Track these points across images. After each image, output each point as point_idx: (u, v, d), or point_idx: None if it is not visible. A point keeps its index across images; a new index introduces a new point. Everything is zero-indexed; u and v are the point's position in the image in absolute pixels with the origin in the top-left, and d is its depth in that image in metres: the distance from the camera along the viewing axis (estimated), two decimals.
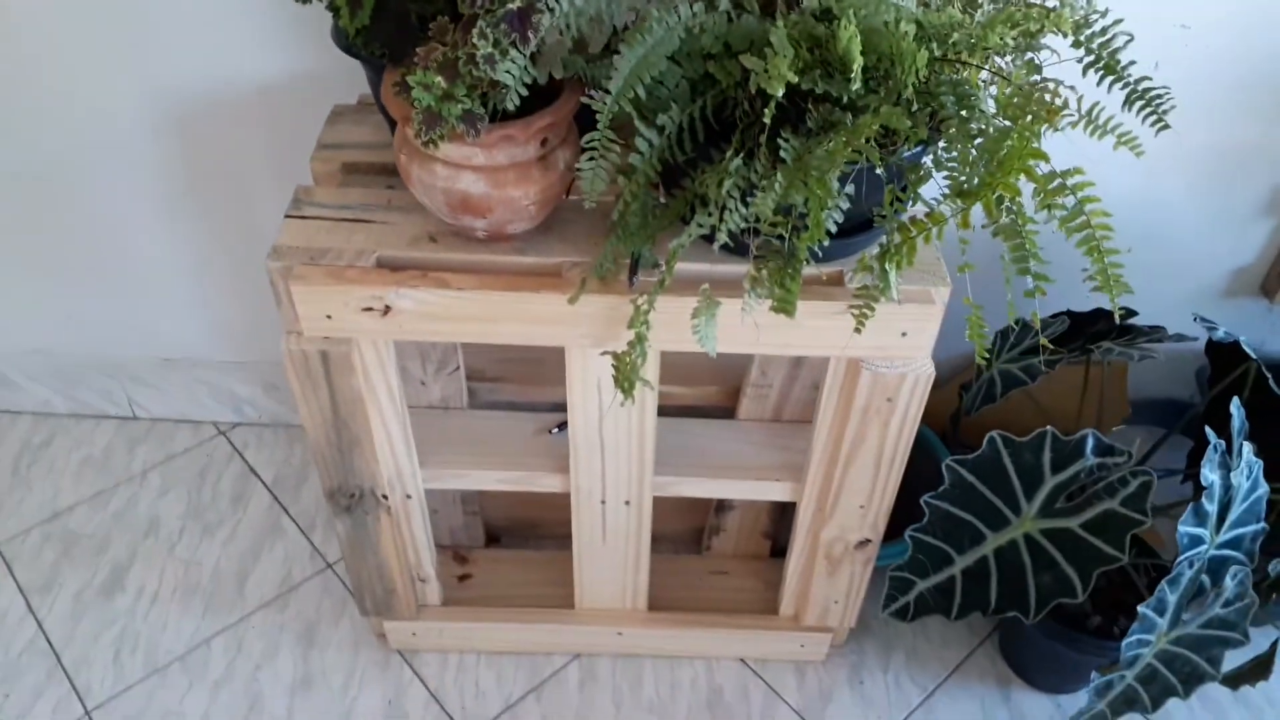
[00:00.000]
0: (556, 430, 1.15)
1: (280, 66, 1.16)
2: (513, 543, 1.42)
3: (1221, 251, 1.33)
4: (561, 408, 1.20)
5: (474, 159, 0.81)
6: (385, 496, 1.08)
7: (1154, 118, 0.81)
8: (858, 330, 0.83)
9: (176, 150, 1.26)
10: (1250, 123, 1.19)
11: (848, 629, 1.28)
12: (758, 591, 1.33)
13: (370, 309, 0.89)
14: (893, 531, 1.10)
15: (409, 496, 1.11)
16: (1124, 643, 0.92)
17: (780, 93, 0.70)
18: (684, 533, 1.42)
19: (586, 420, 1.02)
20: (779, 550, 1.35)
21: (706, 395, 1.22)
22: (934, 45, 0.72)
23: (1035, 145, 0.68)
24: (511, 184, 0.83)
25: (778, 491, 1.12)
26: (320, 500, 1.48)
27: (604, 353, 0.90)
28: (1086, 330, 1.19)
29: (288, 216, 0.94)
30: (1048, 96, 0.72)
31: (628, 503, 1.12)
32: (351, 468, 1.05)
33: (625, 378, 0.85)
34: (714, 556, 1.38)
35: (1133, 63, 0.81)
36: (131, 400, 1.56)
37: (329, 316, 0.89)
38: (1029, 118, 0.69)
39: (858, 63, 0.69)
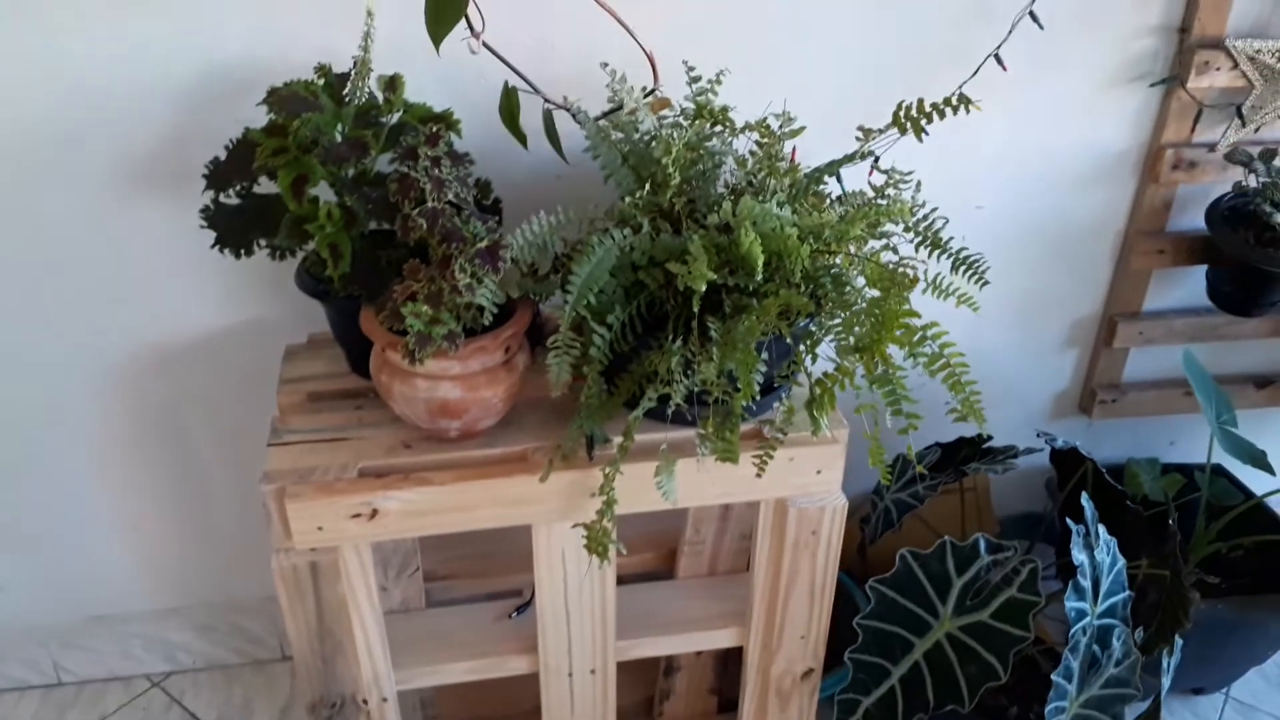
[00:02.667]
0: (516, 614, 1.24)
1: (225, 316, 1.28)
2: None
3: (1043, 379, 1.60)
4: (514, 594, 1.30)
5: (451, 370, 0.95)
6: (365, 701, 1.13)
7: (975, 277, 1.05)
8: (759, 474, 0.99)
9: (113, 401, 1.33)
10: (1041, 274, 1.48)
11: None
12: None
13: (358, 515, 0.99)
14: (824, 666, 1.23)
15: (385, 700, 1.16)
16: (1046, 710, 1.07)
17: (704, 288, 0.89)
18: (636, 704, 1.50)
19: (553, 593, 1.12)
20: (727, 704, 1.45)
21: (645, 562, 1.34)
22: (812, 240, 0.94)
23: (908, 307, 0.89)
24: (483, 386, 0.97)
25: (727, 638, 1.24)
26: None
27: (575, 525, 1.03)
28: (955, 457, 1.40)
29: (270, 445, 1.04)
30: (903, 270, 0.94)
31: (593, 671, 1.21)
32: (334, 675, 1.10)
33: (598, 543, 0.98)
34: None
35: (951, 238, 1.05)
36: (58, 665, 1.53)
37: (320, 528, 0.99)
38: (896, 288, 0.90)
39: (760, 261, 0.89)
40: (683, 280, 0.90)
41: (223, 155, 1.04)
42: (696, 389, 0.92)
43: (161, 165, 1.16)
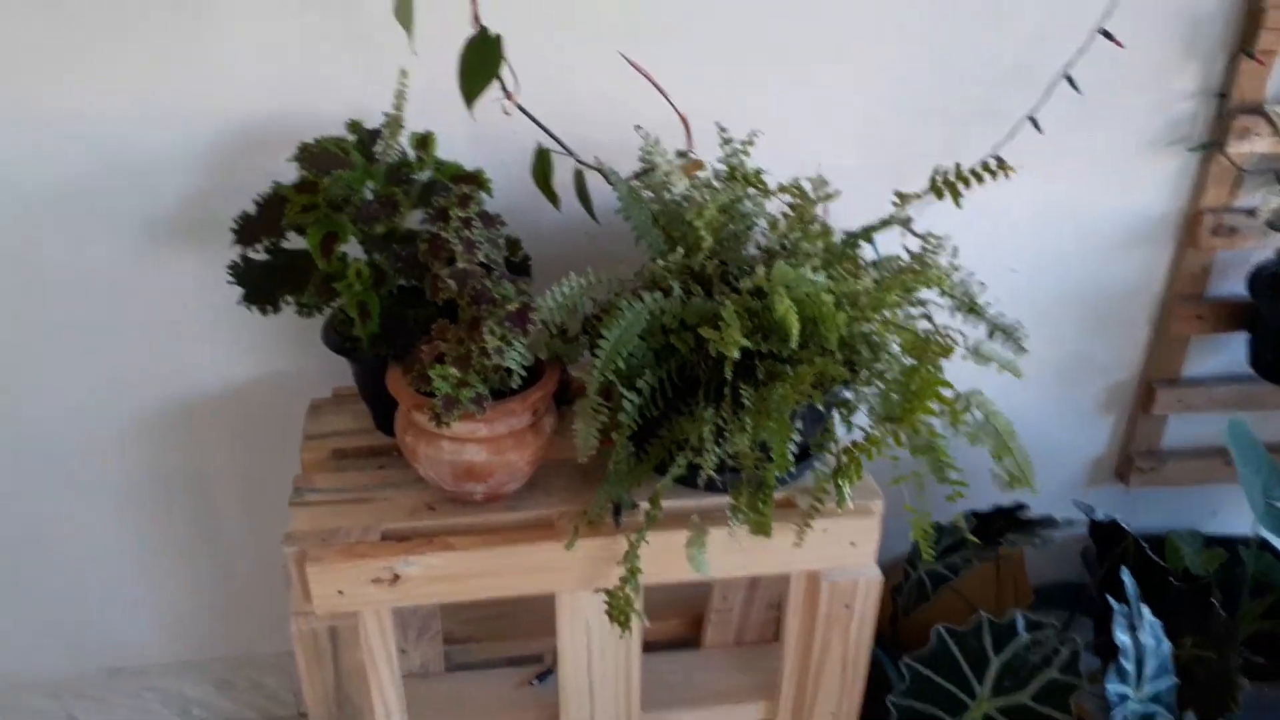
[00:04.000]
0: (537, 681, 1.21)
1: (251, 369, 1.27)
2: None
3: (1079, 445, 1.56)
4: (536, 659, 1.26)
5: (478, 432, 0.93)
6: None
7: (1012, 344, 1.03)
8: (796, 545, 0.96)
9: (137, 451, 1.32)
10: (1076, 338, 1.45)
11: None
12: None
13: (379, 579, 0.96)
14: None
15: None
16: None
17: (737, 355, 0.86)
18: None
19: (576, 662, 1.09)
20: None
21: (670, 629, 1.30)
22: (848, 307, 0.92)
23: (941, 377, 0.87)
24: (510, 449, 0.95)
25: (755, 712, 1.20)
26: None
27: (598, 590, 1.00)
28: (990, 527, 1.36)
29: (292, 504, 1.02)
30: (939, 338, 0.91)
31: None
32: None
33: (620, 612, 0.95)
34: None
35: (989, 303, 1.03)
36: (71, 718, 1.50)
37: (340, 592, 0.96)
38: (930, 356, 0.87)
39: (795, 328, 0.87)
40: (714, 346, 0.88)
41: (252, 210, 1.04)
42: (728, 458, 0.89)
43: (190, 220, 1.16)
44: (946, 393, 0.88)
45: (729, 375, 0.88)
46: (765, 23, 1.15)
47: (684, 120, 1.06)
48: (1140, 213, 1.35)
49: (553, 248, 1.17)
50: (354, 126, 1.07)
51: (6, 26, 1.04)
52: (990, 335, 1.03)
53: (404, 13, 0.90)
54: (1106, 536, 1.36)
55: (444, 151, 1.07)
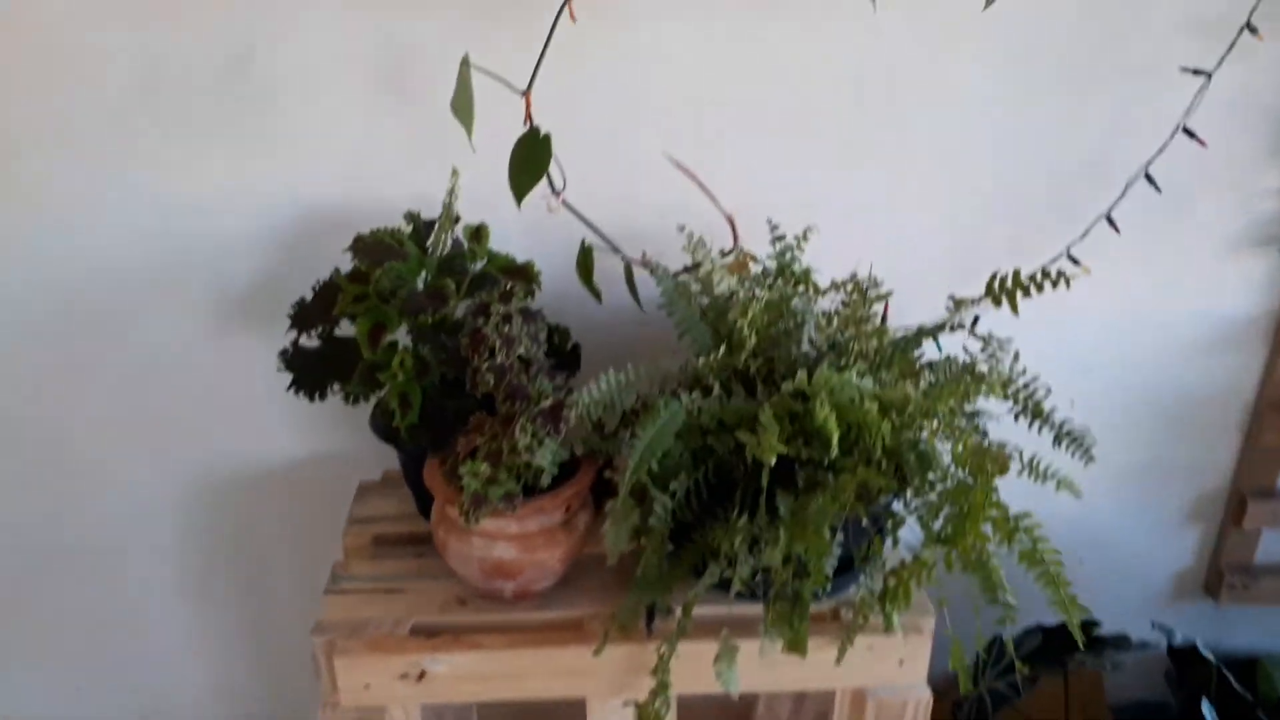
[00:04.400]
0: None
1: (306, 448, 1.29)
2: None
3: (1163, 556, 1.46)
4: None
5: (508, 529, 0.92)
6: None
7: (1081, 453, 0.97)
8: (837, 662, 0.91)
9: (192, 520, 1.34)
10: (1159, 444, 1.36)
11: None
12: None
13: (406, 675, 0.95)
14: None
15: None
16: None
17: (773, 461, 0.83)
18: None
19: None
20: None
21: None
22: (894, 416, 0.88)
23: (995, 499, 0.82)
24: (540, 548, 0.93)
25: None
26: None
27: (626, 703, 0.96)
28: (1059, 643, 1.27)
29: (327, 592, 1.02)
30: (996, 452, 0.87)
31: None
32: None
33: None
34: None
35: (1055, 408, 0.97)
36: None
37: (367, 686, 0.95)
38: (985, 474, 0.83)
39: (835, 435, 0.83)
40: (751, 451, 0.85)
41: (309, 296, 1.06)
42: (762, 571, 0.86)
43: (255, 302, 1.19)
44: (1001, 515, 0.83)
45: (764, 483, 0.85)
46: (831, 115, 1.13)
47: (730, 221, 1.05)
48: (1227, 316, 1.28)
49: (604, 335, 1.16)
50: (411, 217, 1.09)
51: (116, 121, 1.09)
52: (1056, 442, 0.97)
53: (464, 111, 0.91)
54: (1186, 662, 1.26)
55: (499, 241, 1.08)
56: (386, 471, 1.23)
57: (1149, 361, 1.31)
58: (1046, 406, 0.98)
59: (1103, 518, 1.41)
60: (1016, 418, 0.99)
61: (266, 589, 1.40)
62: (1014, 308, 0.92)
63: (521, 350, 0.92)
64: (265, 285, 1.19)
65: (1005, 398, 0.98)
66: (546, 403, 0.87)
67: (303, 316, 1.06)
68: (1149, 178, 1.14)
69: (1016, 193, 1.19)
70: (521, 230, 1.12)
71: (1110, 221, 1.17)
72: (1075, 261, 1.16)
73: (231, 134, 1.10)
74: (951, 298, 0.97)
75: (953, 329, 0.98)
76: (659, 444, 0.88)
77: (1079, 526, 1.40)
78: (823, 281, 1.04)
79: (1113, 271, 1.22)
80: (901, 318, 1.03)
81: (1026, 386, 0.98)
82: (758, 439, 0.85)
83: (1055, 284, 0.91)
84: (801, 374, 0.87)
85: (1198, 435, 1.36)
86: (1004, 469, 0.85)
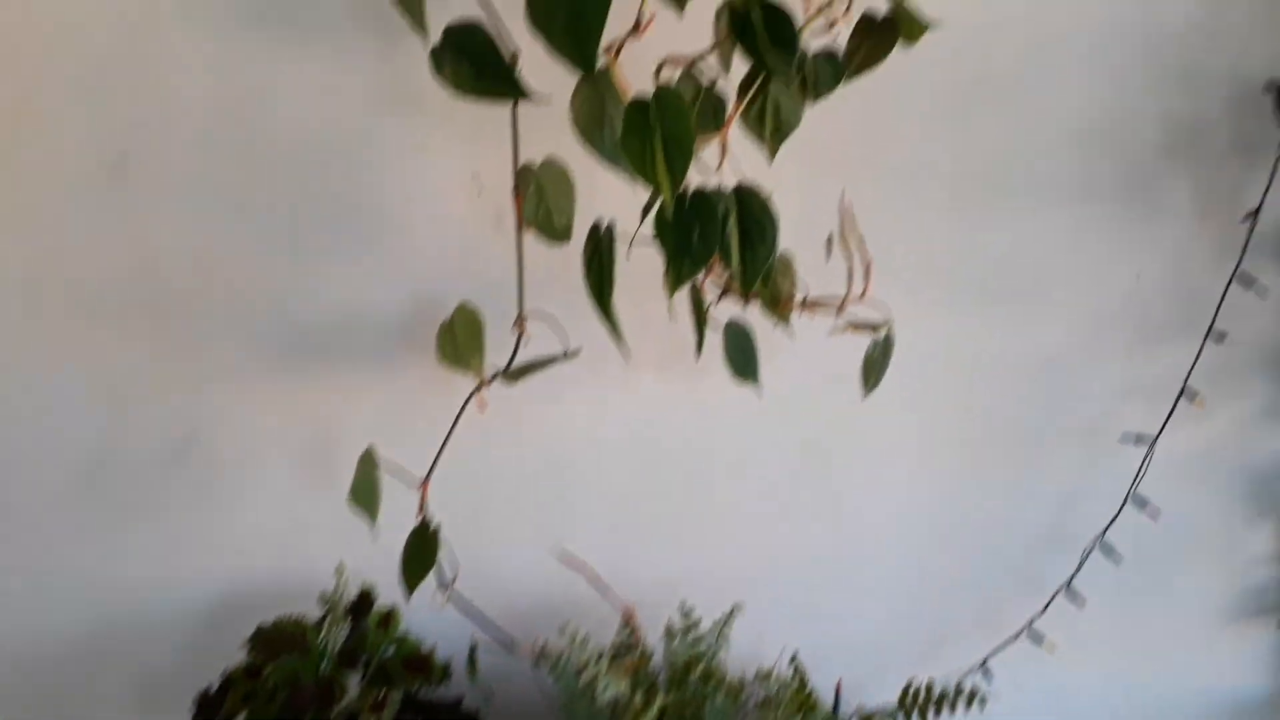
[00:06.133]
0: None
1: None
2: None
3: None
4: None
5: None
6: None
7: None
8: None
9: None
10: None
11: None
12: None
13: None
14: None
15: None
16: None
17: None
18: None
19: None
20: None
21: None
22: None
23: None
24: None
25: None
26: None
27: None
28: None
29: None
30: None
31: None
32: None
33: None
34: None
35: None
36: None
37: None
38: None
39: None
40: None
41: (215, 686, 1.03)
42: None
43: (179, 681, 1.16)
44: None
45: None
46: (777, 483, 1.10)
47: (626, 615, 0.99)
48: (1230, 693, 1.14)
49: (526, 704, 1.08)
50: (328, 600, 1.06)
51: (52, 505, 1.12)
52: None
53: (366, 500, 0.91)
54: None
55: (415, 617, 1.04)
56: None
57: None
58: None
59: None
60: None
61: None
62: None
63: None
64: (187, 666, 1.16)
65: None
66: None
67: (204, 708, 1.02)
68: (1105, 546, 1.06)
69: (979, 565, 1.11)
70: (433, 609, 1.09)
71: (1072, 592, 1.07)
72: (979, 695, 1.03)
73: (170, 520, 1.12)
74: (859, 712, 0.88)
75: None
76: None
77: None
78: (755, 663, 0.96)
79: (1091, 647, 1.11)
80: (867, 693, 0.94)
81: None
82: None
83: (970, 703, 0.82)
84: None
85: None
86: None
